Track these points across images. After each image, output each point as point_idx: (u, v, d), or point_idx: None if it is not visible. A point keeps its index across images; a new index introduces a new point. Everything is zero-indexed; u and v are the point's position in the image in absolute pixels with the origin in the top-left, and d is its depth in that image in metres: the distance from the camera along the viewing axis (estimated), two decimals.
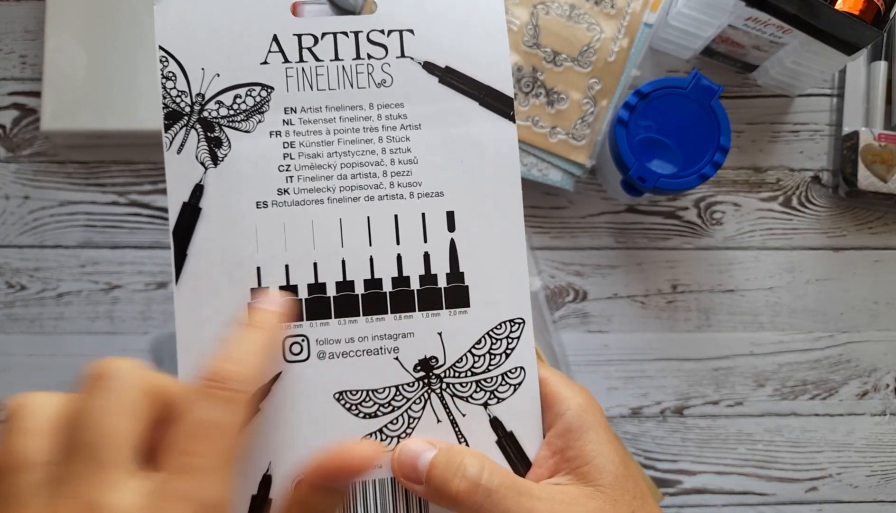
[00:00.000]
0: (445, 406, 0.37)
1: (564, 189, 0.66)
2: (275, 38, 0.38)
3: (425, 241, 0.37)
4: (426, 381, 0.37)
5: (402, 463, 0.36)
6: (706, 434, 0.67)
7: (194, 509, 0.28)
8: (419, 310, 0.37)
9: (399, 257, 0.37)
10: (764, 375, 0.67)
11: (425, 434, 0.37)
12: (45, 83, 0.63)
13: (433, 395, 0.37)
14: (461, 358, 0.37)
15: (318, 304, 0.37)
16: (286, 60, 0.38)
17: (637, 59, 0.65)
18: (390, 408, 0.37)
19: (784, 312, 0.67)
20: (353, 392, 0.36)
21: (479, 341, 0.37)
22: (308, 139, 0.37)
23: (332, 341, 0.36)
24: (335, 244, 0.37)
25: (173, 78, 0.37)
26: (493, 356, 0.37)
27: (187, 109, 0.37)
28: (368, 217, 0.37)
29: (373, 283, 0.37)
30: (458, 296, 0.37)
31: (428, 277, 0.37)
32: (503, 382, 0.37)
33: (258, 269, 0.36)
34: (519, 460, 0.37)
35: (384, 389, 0.37)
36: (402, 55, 0.38)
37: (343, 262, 0.37)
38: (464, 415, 0.37)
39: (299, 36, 0.38)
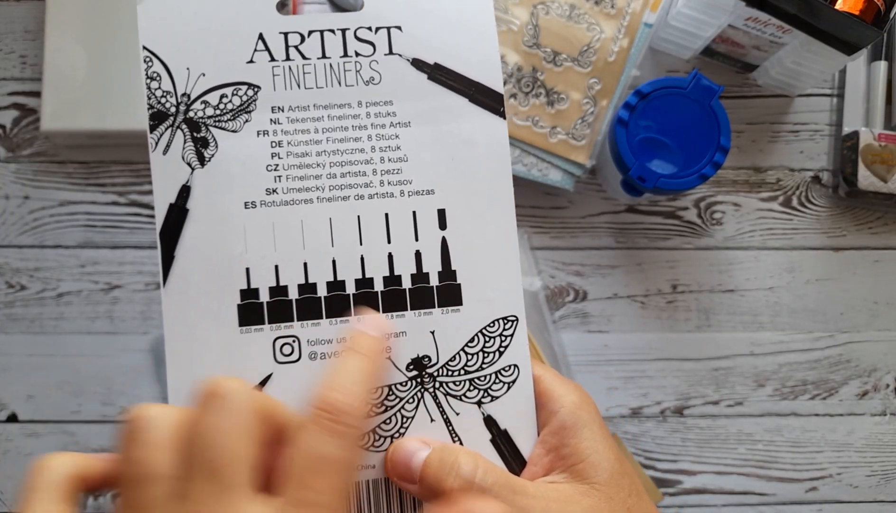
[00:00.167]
0: (439, 405, 0.37)
1: (564, 189, 0.66)
2: (261, 37, 0.37)
3: (417, 239, 0.37)
4: (419, 380, 0.37)
5: (395, 463, 0.36)
6: (706, 434, 0.66)
7: None
8: (411, 309, 0.37)
9: (390, 256, 0.37)
10: (764, 376, 0.67)
11: (419, 434, 0.37)
12: (45, 83, 0.64)
13: (426, 394, 0.37)
14: (454, 357, 0.37)
15: (309, 304, 0.36)
16: (272, 59, 0.37)
17: (637, 59, 0.65)
18: (383, 408, 0.37)
19: (784, 312, 0.67)
20: None
21: (472, 340, 0.37)
22: (296, 138, 0.37)
23: (323, 342, 0.36)
24: (325, 244, 0.37)
25: (158, 78, 0.37)
26: (486, 354, 0.37)
27: (173, 110, 0.37)
28: (359, 216, 0.37)
29: (364, 282, 0.37)
30: (450, 294, 0.37)
31: (420, 276, 0.37)
32: (497, 381, 0.37)
33: (247, 270, 0.36)
34: (513, 459, 0.37)
35: (377, 389, 0.36)
36: (391, 52, 0.38)
37: (334, 261, 0.37)
38: (457, 414, 0.37)
39: (286, 34, 0.37)
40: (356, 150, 0.37)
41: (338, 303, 0.37)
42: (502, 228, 0.38)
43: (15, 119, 0.66)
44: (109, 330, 0.65)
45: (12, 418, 0.64)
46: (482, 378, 0.37)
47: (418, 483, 0.34)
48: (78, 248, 0.66)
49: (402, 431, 0.37)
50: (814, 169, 0.69)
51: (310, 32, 0.38)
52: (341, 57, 0.38)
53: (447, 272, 0.37)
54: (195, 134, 0.37)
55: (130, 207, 0.66)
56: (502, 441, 0.37)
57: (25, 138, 0.66)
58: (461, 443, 0.37)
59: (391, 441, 0.36)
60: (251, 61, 0.37)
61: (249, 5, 0.37)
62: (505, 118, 0.38)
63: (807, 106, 0.69)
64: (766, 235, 0.68)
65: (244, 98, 0.37)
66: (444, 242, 0.37)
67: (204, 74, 0.37)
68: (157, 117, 0.37)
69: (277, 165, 0.37)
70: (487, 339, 0.37)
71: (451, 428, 0.37)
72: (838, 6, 0.56)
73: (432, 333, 0.37)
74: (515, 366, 0.37)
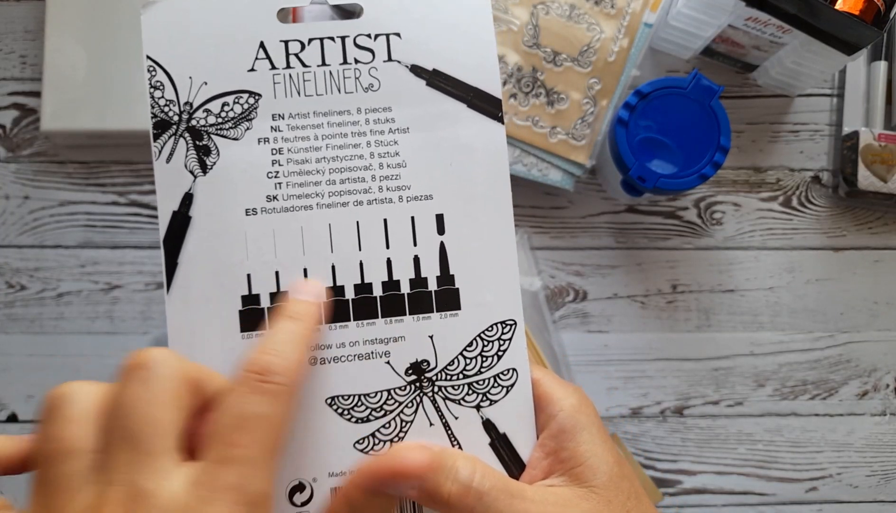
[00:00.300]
0: (438, 409, 0.37)
1: (564, 189, 0.66)
2: (262, 45, 0.37)
3: (415, 244, 0.37)
4: (418, 384, 0.37)
5: (394, 467, 0.36)
6: (706, 434, 0.66)
7: (238, 499, 0.28)
8: (410, 314, 0.37)
9: (389, 262, 0.37)
10: (764, 376, 0.67)
11: (418, 438, 0.37)
12: (45, 83, 0.64)
13: (425, 398, 0.37)
14: (453, 361, 0.37)
15: None
16: (273, 67, 0.37)
17: (637, 59, 0.65)
18: (382, 412, 0.37)
19: (784, 312, 0.67)
20: (345, 397, 0.36)
21: (470, 344, 0.37)
22: (296, 145, 0.37)
23: (323, 347, 0.36)
24: (325, 250, 0.37)
25: (161, 87, 0.37)
26: (484, 358, 0.37)
27: (175, 118, 0.37)
28: (358, 222, 0.37)
29: (363, 287, 0.37)
30: (448, 299, 0.37)
31: (418, 281, 0.37)
32: (495, 384, 0.37)
33: (248, 276, 0.36)
34: (512, 462, 0.37)
35: (376, 393, 0.37)
36: (390, 59, 0.38)
37: (333, 267, 0.37)
38: (456, 418, 0.37)
39: (286, 42, 0.38)
40: (355, 156, 0.37)
41: (338, 308, 0.37)
42: (500, 233, 0.38)
43: (15, 119, 0.66)
44: (109, 330, 0.65)
45: (12, 418, 0.64)
46: (481, 382, 0.37)
47: (417, 488, 0.34)
48: (78, 248, 0.66)
49: (401, 435, 0.37)
50: (814, 169, 0.68)
51: (310, 40, 0.38)
52: (341, 64, 0.38)
53: (445, 277, 0.37)
54: (197, 142, 0.37)
55: (130, 207, 0.66)
56: (501, 445, 0.37)
57: (25, 138, 0.66)
58: (460, 447, 0.37)
59: (390, 445, 0.36)
60: (252, 69, 0.37)
61: (251, 14, 0.37)
62: (503, 123, 0.38)
63: (807, 106, 0.69)
64: (766, 235, 0.68)
65: (245, 106, 0.37)
66: (442, 247, 0.37)
67: (206, 83, 0.37)
68: (161, 126, 0.37)
69: (278, 172, 0.37)
70: (486, 343, 0.37)
71: (450, 432, 0.37)
72: (838, 6, 0.56)
73: (431, 337, 0.37)
74: (514, 370, 0.37)
